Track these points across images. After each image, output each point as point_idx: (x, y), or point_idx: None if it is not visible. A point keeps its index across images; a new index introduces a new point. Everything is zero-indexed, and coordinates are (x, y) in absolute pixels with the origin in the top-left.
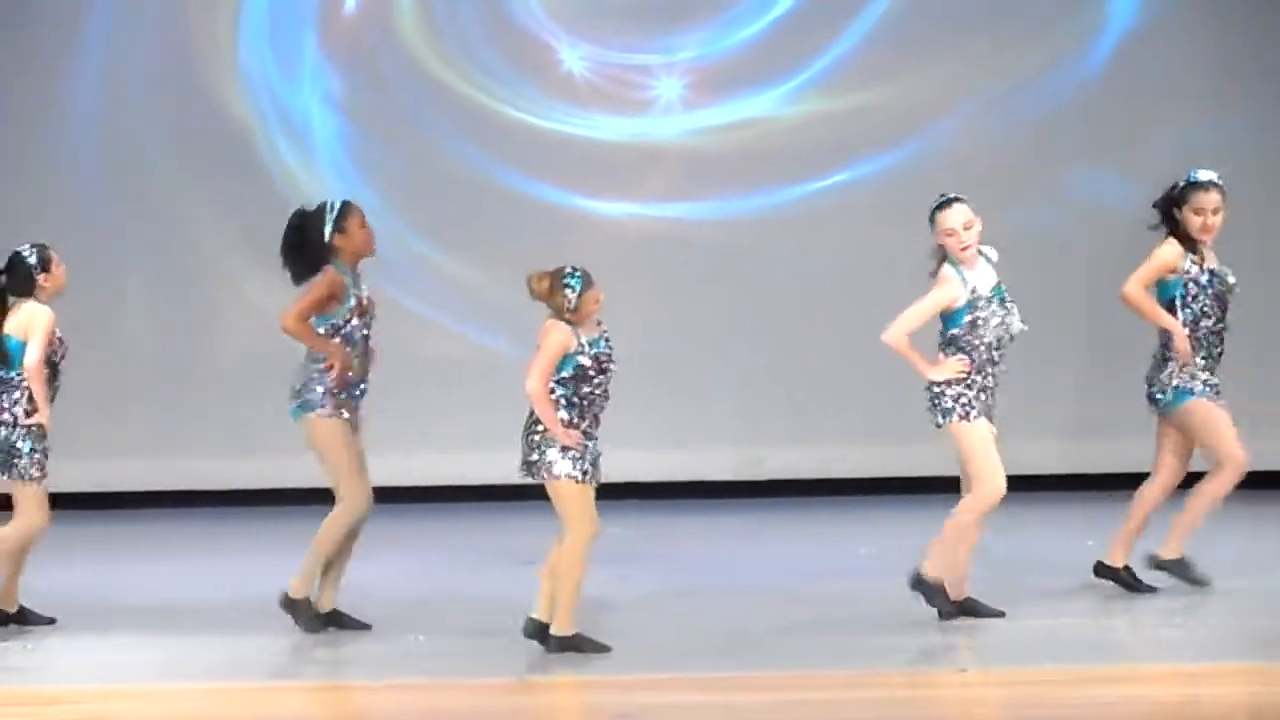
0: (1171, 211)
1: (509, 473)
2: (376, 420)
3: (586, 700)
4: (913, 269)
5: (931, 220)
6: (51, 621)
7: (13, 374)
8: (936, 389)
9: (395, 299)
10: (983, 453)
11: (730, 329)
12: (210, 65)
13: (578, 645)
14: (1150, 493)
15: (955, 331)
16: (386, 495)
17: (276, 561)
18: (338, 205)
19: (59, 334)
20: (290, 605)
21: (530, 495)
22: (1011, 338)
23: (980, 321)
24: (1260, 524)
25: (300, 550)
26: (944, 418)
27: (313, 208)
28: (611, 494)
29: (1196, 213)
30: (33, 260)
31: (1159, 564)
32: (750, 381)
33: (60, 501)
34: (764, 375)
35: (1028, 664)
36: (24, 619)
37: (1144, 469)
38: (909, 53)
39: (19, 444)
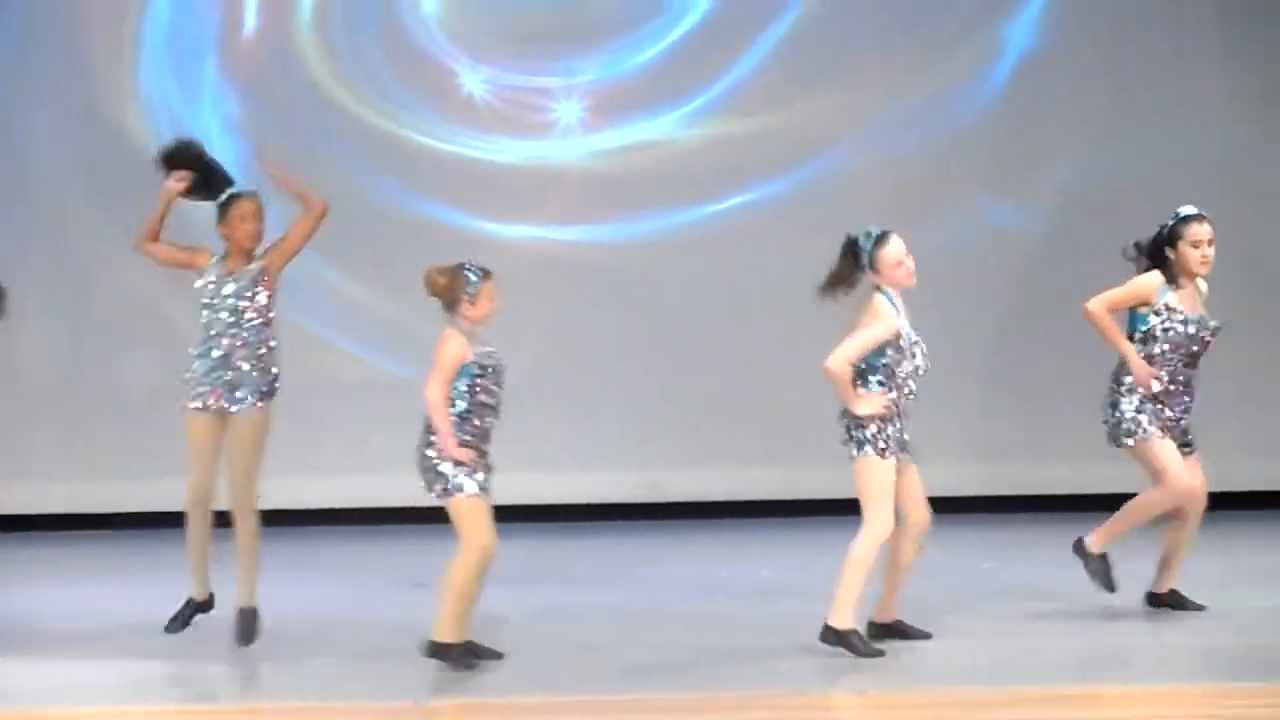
0: (1163, 252)
1: (413, 495)
2: (278, 443)
3: None
4: (809, 293)
5: (869, 255)
6: None
7: None
8: (856, 420)
9: (298, 323)
10: (881, 493)
11: (630, 351)
12: (111, 87)
13: (453, 658)
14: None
15: (883, 362)
16: (285, 518)
17: (173, 584)
18: (226, 195)
19: None
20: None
21: (427, 518)
22: (923, 372)
23: (906, 355)
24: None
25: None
26: (858, 450)
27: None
28: (510, 516)
29: (1194, 245)
30: None
31: (1078, 549)
32: (649, 404)
33: None
34: (662, 398)
35: (933, 685)
36: None
37: (1047, 490)
38: (808, 76)
39: None
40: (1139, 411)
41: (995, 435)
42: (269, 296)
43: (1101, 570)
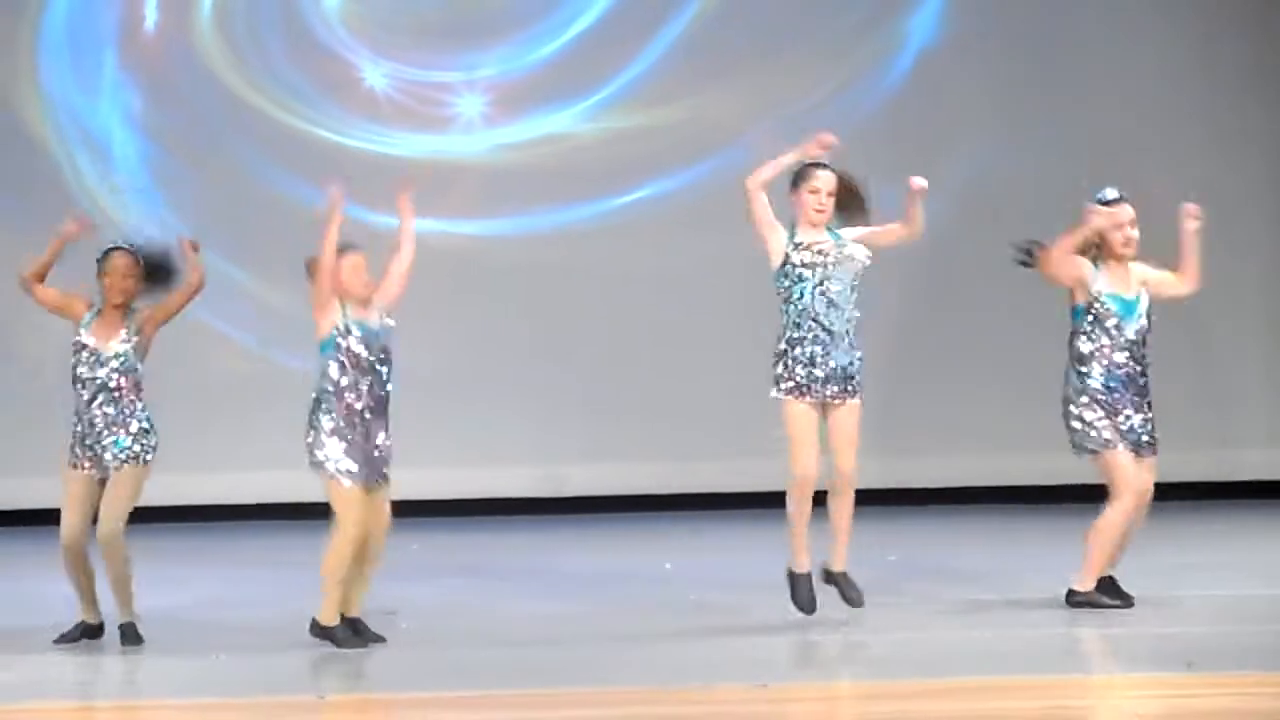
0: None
1: (304, 490)
2: (179, 441)
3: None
4: (710, 287)
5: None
6: None
7: None
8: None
9: (198, 319)
10: (790, 432)
11: (531, 345)
12: (9, 82)
13: (335, 637)
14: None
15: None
16: (188, 514)
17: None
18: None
19: None
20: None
21: (324, 514)
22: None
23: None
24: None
25: (151, 569)
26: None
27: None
28: (414, 511)
29: (1117, 228)
30: None
31: (1070, 599)
32: (551, 398)
33: None
34: (565, 392)
35: (832, 678)
36: None
37: (953, 484)
38: (709, 70)
39: None
40: (1096, 423)
41: (898, 429)
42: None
43: (1099, 598)
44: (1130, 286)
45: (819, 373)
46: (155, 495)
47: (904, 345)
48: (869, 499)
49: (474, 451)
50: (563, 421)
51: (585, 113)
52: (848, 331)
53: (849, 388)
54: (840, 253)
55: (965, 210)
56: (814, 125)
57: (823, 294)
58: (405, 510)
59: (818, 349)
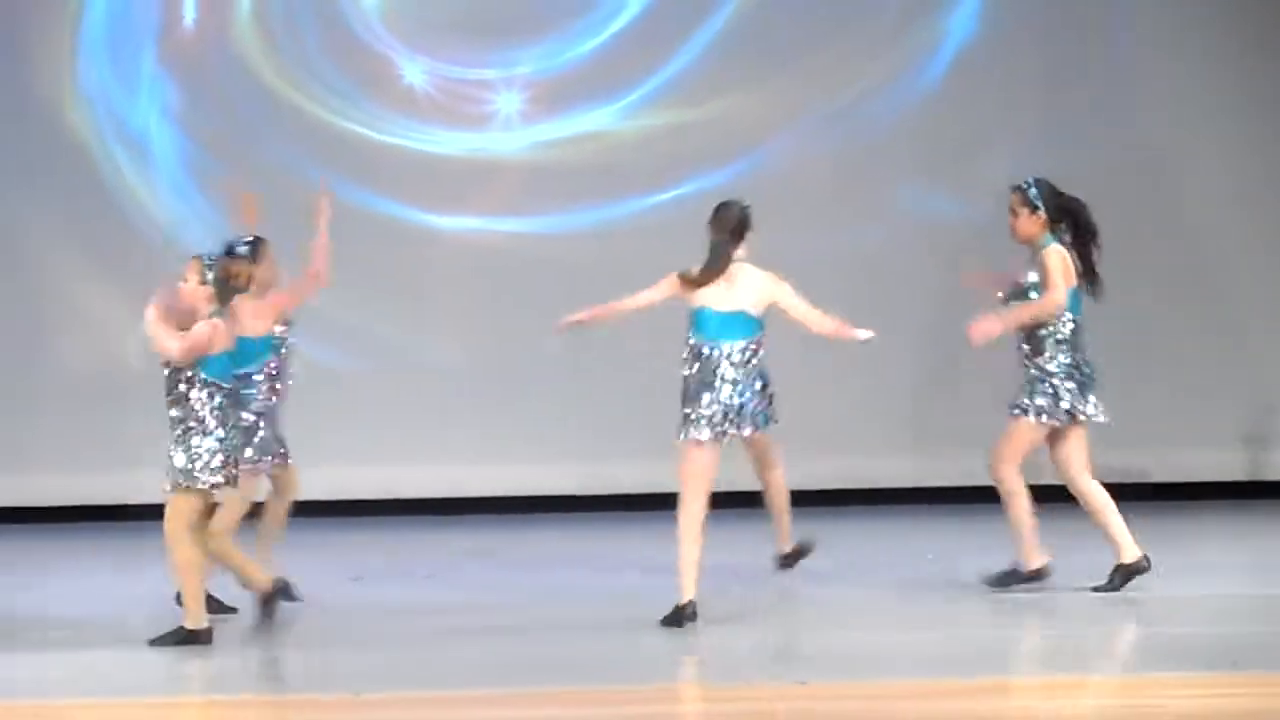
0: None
1: (341, 488)
2: None
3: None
4: None
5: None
6: None
7: None
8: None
9: None
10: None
11: (570, 342)
12: (48, 77)
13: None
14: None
15: None
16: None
17: (112, 578)
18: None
19: None
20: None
21: (363, 511)
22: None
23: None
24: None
25: (138, 565)
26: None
27: None
28: (452, 509)
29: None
30: None
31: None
32: (591, 394)
33: None
34: (606, 388)
35: (880, 676)
36: None
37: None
38: (747, 68)
39: None
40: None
41: (927, 427)
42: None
43: (1130, 571)
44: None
45: None
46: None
47: (940, 347)
48: (924, 497)
49: (514, 448)
50: (605, 418)
51: (624, 110)
52: None
53: None
54: None
55: (1004, 214)
56: (850, 123)
57: None
58: (445, 508)
59: None
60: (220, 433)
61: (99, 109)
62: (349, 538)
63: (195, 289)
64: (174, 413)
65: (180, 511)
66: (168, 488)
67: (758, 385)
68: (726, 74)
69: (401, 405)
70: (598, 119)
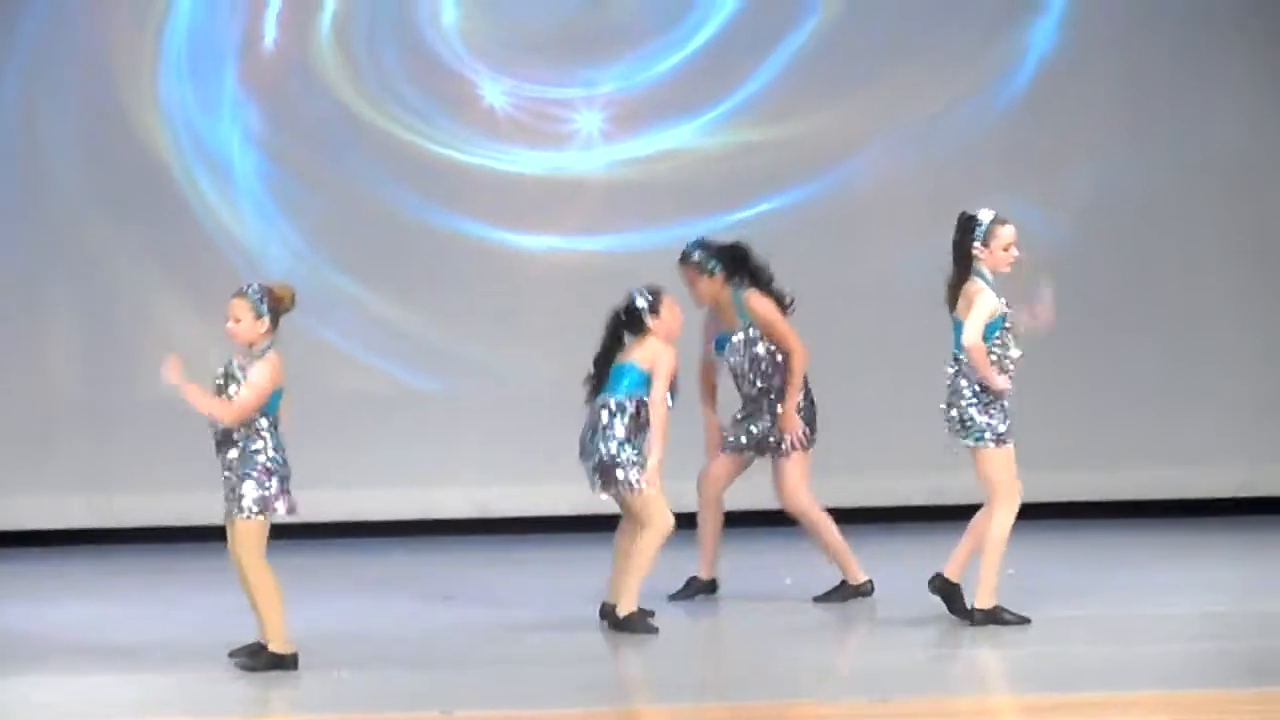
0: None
1: (431, 507)
2: (297, 456)
3: None
4: (839, 298)
5: (986, 231)
6: None
7: None
8: (982, 407)
9: (318, 334)
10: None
11: None
12: (131, 98)
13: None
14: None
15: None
16: (306, 531)
17: (199, 598)
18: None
19: None
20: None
21: (454, 530)
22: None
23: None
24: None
25: (214, 585)
26: (977, 440)
27: None
28: (549, 527)
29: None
30: None
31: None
32: (674, 413)
33: None
34: (687, 407)
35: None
36: None
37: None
38: (828, 84)
39: None
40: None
41: (1021, 441)
42: None
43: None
44: None
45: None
46: (296, 513)
47: (1028, 358)
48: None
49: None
50: (684, 435)
51: (704, 128)
52: None
53: None
54: None
55: (1088, 228)
56: (933, 139)
57: None
58: (544, 526)
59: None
60: (279, 458)
61: (180, 129)
62: (439, 557)
63: (251, 325)
64: (231, 454)
65: (256, 540)
66: (243, 516)
67: None
68: (807, 90)
69: (489, 424)
70: (679, 136)
